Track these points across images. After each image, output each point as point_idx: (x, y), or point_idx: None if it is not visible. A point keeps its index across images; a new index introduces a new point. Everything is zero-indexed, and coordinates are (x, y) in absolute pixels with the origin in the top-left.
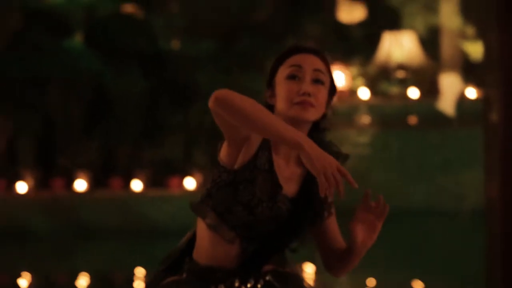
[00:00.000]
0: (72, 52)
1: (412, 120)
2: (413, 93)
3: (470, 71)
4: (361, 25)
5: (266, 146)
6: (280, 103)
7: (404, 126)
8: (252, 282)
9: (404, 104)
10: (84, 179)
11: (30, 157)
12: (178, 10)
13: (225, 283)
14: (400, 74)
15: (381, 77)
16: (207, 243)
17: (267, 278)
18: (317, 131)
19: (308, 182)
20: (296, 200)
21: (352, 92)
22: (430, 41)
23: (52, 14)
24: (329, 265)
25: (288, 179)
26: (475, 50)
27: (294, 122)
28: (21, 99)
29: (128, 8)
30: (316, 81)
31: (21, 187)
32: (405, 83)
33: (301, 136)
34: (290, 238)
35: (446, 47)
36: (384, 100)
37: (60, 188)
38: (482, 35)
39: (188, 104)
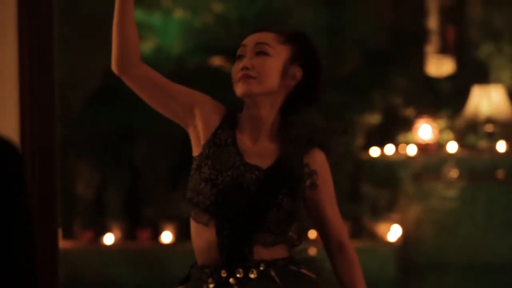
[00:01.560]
0: None
1: (500, 174)
2: (501, 146)
3: None
4: (449, 78)
5: (229, 125)
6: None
7: (492, 180)
8: (242, 272)
9: (492, 158)
10: (171, 230)
11: (117, 209)
12: None
13: (213, 277)
14: (489, 128)
15: (469, 131)
16: (194, 239)
17: (262, 268)
18: (297, 110)
19: (284, 155)
20: (269, 170)
21: (440, 145)
22: None
23: None
24: (326, 250)
25: (260, 154)
26: None
27: (247, 101)
28: (108, 151)
29: (216, 61)
30: (259, 53)
31: (108, 238)
32: (493, 137)
33: None
34: (264, 213)
35: None
36: (472, 153)
37: (147, 240)
38: None
39: None
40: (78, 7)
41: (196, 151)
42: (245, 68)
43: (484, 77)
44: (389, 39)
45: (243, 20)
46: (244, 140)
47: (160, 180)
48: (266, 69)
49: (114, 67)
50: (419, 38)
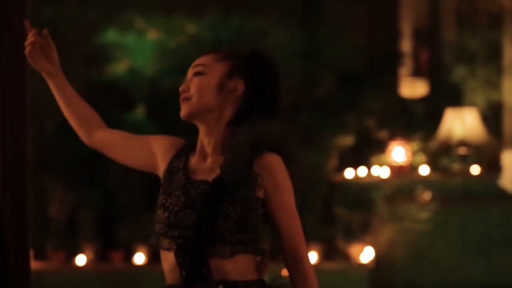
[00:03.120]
0: (134, 125)
1: (474, 196)
2: (474, 169)
3: None
4: (423, 101)
5: (184, 153)
6: None
7: (465, 202)
8: None
9: (465, 180)
10: (143, 252)
11: (90, 230)
12: None
13: None
14: (462, 151)
15: (443, 154)
16: (162, 263)
17: None
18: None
19: (224, 163)
20: (214, 182)
21: (413, 168)
22: (491, 118)
23: (115, 87)
24: (284, 262)
25: (209, 169)
26: None
27: (192, 122)
28: (82, 172)
29: None
30: (195, 74)
31: (80, 259)
32: (466, 160)
33: None
34: (211, 224)
35: (508, 123)
36: (445, 176)
37: (119, 261)
38: None
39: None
40: (53, 26)
41: None
42: (182, 91)
43: (457, 100)
44: (363, 62)
45: (217, 42)
46: (195, 161)
47: (133, 201)
48: (198, 87)
49: (83, 140)
50: (393, 60)
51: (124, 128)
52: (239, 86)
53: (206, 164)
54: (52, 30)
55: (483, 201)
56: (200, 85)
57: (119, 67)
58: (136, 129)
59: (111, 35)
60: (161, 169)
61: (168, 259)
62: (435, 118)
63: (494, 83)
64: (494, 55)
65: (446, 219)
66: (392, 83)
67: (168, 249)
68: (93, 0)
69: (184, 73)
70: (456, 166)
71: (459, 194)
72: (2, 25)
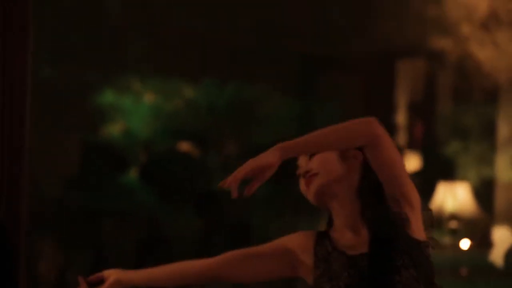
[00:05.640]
0: (127, 187)
1: (463, 271)
2: (465, 244)
3: None
4: (416, 174)
5: (323, 237)
6: None
7: (455, 276)
8: None
9: (456, 254)
10: None
11: None
12: (234, 150)
13: None
14: (453, 224)
15: (433, 227)
16: None
17: None
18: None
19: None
20: (372, 241)
21: None
22: (483, 193)
23: (110, 149)
24: None
25: (357, 243)
26: None
27: (326, 201)
28: (74, 232)
29: (184, 146)
30: (311, 157)
31: None
32: (457, 234)
33: None
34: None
35: (500, 199)
36: (435, 250)
37: None
38: None
39: (242, 245)
40: (51, 86)
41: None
42: (305, 173)
43: (450, 174)
44: None
45: (212, 108)
46: (343, 234)
47: (124, 263)
48: (322, 161)
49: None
50: (388, 132)
51: (116, 189)
52: (358, 154)
53: (357, 236)
54: (50, 90)
55: (473, 276)
56: (323, 159)
57: (115, 129)
58: (129, 191)
59: (107, 96)
60: (304, 261)
61: None
62: (427, 191)
63: (487, 159)
64: (488, 132)
65: None
66: None
67: None
68: (90, 61)
69: (179, 136)
70: (446, 240)
71: (448, 268)
72: (4, 17)
